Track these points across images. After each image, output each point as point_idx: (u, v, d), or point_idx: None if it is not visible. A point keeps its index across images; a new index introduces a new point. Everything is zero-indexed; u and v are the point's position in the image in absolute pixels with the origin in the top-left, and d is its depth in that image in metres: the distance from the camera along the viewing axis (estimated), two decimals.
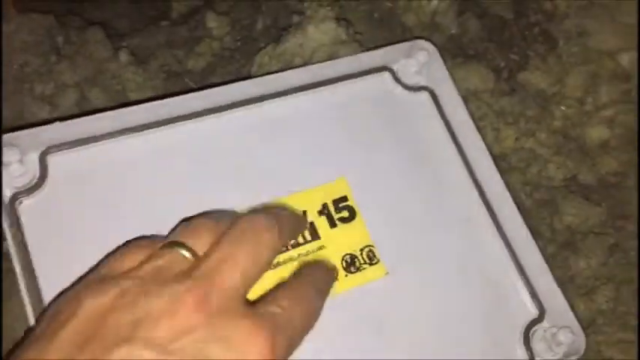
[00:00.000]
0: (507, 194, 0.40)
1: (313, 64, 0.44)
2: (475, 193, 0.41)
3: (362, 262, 0.38)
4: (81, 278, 0.30)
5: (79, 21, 0.52)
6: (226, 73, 0.50)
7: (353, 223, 0.38)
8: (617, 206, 0.46)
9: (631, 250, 0.45)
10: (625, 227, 0.46)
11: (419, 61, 0.42)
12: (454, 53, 0.51)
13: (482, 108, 0.49)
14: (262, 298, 0.29)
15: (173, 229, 0.31)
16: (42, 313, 0.31)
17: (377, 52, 0.42)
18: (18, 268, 0.33)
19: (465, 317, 0.37)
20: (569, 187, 0.47)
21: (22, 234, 0.34)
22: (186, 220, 0.31)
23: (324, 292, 0.32)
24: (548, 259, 0.44)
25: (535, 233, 0.45)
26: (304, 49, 0.48)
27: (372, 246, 0.38)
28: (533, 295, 0.38)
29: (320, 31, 0.49)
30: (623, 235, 0.45)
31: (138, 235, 0.33)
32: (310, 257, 0.37)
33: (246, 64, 0.50)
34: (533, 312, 0.38)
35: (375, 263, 0.38)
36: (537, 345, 0.37)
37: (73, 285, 0.29)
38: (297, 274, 0.33)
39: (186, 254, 0.27)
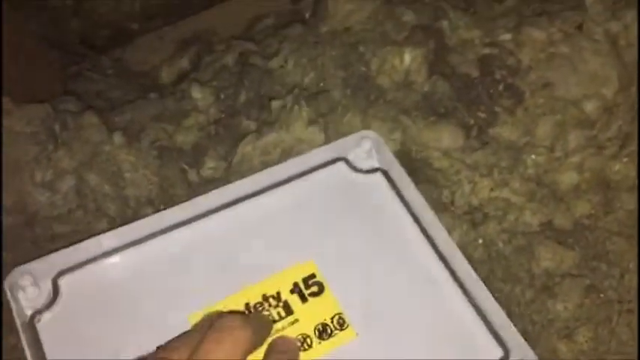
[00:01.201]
0: (459, 253, 0.43)
1: (290, 155, 0.52)
2: (433, 254, 0.44)
3: (333, 328, 0.41)
4: None
5: (73, 103, 0.56)
6: (216, 156, 0.53)
7: (322, 296, 0.43)
8: (591, 248, 0.49)
9: (607, 290, 0.48)
10: (599, 268, 0.48)
11: (366, 148, 0.48)
12: (426, 112, 0.54)
13: (456, 164, 0.52)
14: None
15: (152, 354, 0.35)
16: None
17: (330, 146, 0.49)
18: None
19: None
20: (544, 232, 0.50)
21: (42, 349, 0.39)
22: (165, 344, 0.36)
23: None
24: (528, 303, 0.47)
25: (513, 279, 0.48)
26: (284, 142, 0.52)
27: (342, 313, 0.42)
28: (497, 338, 0.41)
29: (299, 129, 0.53)
30: (597, 275, 0.48)
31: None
32: (286, 331, 0.41)
33: (232, 146, 0.54)
34: (499, 353, 0.41)
35: (345, 328, 0.41)
36: None
37: None
38: (268, 354, 0.37)
39: None
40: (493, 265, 0.49)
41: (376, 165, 0.48)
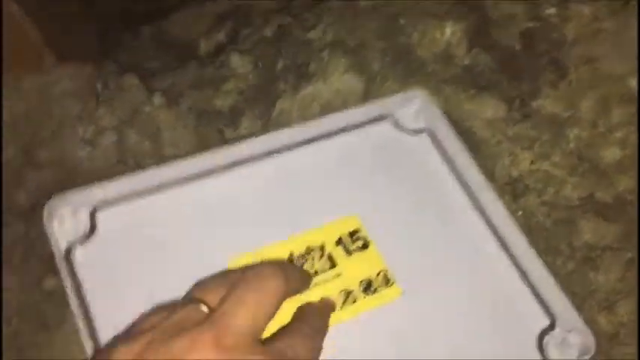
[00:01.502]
0: (508, 215, 0.43)
1: (328, 111, 0.50)
2: (479, 218, 0.44)
3: (378, 284, 0.41)
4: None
5: (114, 66, 0.56)
6: (252, 116, 0.53)
7: (367, 251, 0.42)
8: (633, 222, 0.48)
9: None
10: None
11: (414, 107, 0.47)
12: (468, 84, 0.53)
13: (497, 135, 0.52)
14: (270, 338, 0.33)
15: (188, 292, 0.35)
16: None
17: (377, 103, 0.48)
18: (75, 308, 0.37)
19: (478, 331, 0.40)
20: (585, 205, 0.49)
21: (77, 280, 0.39)
22: (199, 281, 0.36)
23: (322, 331, 0.37)
24: (568, 275, 0.46)
25: (554, 251, 0.47)
26: (322, 95, 0.51)
27: (386, 270, 0.41)
28: (543, 305, 0.41)
29: (336, 79, 0.52)
30: None
31: (183, 279, 0.37)
32: (329, 284, 0.41)
33: (269, 106, 0.54)
34: (545, 321, 0.40)
35: (390, 285, 0.41)
36: (551, 351, 0.39)
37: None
38: (298, 316, 0.38)
39: (201, 307, 0.31)
40: (533, 236, 0.48)
41: (423, 125, 0.47)
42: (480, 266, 0.43)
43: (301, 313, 0.38)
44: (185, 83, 0.56)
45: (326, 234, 0.43)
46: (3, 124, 0.48)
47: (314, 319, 0.38)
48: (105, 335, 0.37)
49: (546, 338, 0.40)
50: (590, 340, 0.39)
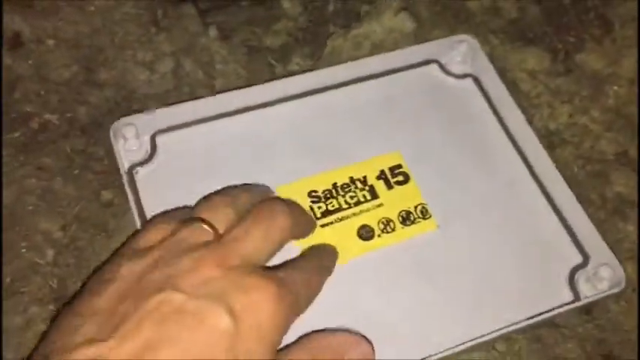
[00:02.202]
0: (547, 156, 0.45)
1: (379, 51, 0.52)
2: (518, 158, 0.46)
3: (416, 216, 0.43)
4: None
5: None
6: (302, 54, 0.55)
7: (407, 185, 0.44)
8: None
9: None
10: None
11: (462, 52, 0.49)
12: (514, 37, 0.55)
13: (539, 87, 0.53)
14: (272, 268, 0.34)
15: (196, 205, 0.36)
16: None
17: (424, 46, 0.49)
18: (137, 222, 0.40)
19: (511, 267, 0.42)
20: (619, 160, 0.51)
21: (139, 197, 0.42)
22: (206, 197, 0.37)
23: (326, 268, 0.39)
24: (598, 224, 0.47)
25: (586, 201, 0.49)
26: (375, 35, 0.53)
27: (425, 204, 0.44)
28: (577, 244, 0.43)
29: (388, 19, 0.53)
30: None
31: None
32: (370, 213, 0.43)
33: (319, 45, 0.55)
34: (578, 259, 0.42)
35: (428, 218, 0.43)
36: (582, 286, 0.41)
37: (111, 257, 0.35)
38: (304, 253, 0.39)
39: (207, 228, 0.32)
40: None
41: (469, 70, 0.49)
42: (516, 205, 0.44)
43: (308, 250, 0.40)
44: (237, 20, 0.58)
45: (369, 167, 0.45)
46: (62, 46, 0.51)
47: (319, 258, 0.39)
48: None
49: (577, 274, 0.41)
50: (621, 274, 0.40)
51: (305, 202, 0.43)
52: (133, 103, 0.49)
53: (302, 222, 0.40)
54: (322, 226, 0.43)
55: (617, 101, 0.53)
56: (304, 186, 0.44)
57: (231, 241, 0.31)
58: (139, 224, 0.40)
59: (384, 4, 0.54)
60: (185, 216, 0.34)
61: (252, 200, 0.36)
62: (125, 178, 0.42)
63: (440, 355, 0.37)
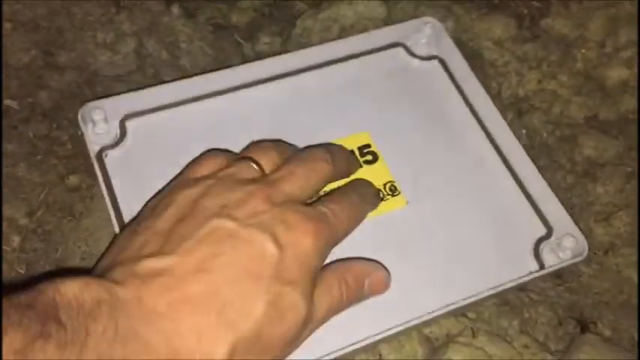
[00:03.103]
0: (511, 133, 0.46)
1: (349, 34, 0.52)
2: (483, 136, 0.47)
3: (385, 193, 0.44)
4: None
5: None
6: (270, 32, 0.54)
7: (376, 164, 0.45)
8: (634, 139, 0.49)
9: None
10: None
11: (427, 34, 0.50)
12: (480, 4, 0.54)
13: (506, 55, 0.53)
14: (315, 201, 0.37)
15: (246, 147, 0.40)
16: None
17: (390, 29, 0.50)
18: (109, 204, 0.41)
19: (478, 240, 0.43)
20: (589, 123, 0.51)
21: (109, 179, 0.42)
22: (256, 141, 0.41)
23: (368, 201, 0.41)
24: (568, 187, 0.48)
25: (556, 166, 0.49)
26: (344, 16, 0.53)
27: (394, 181, 0.44)
28: (541, 216, 0.43)
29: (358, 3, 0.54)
30: None
31: None
32: None
33: (288, 23, 0.55)
34: (542, 231, 0.43)
35: (397, 195, 0.44)
36: (547, 256, 0.42)
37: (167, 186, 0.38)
38: (346, 184, 0.42)
39: (255, 167, 0.36)
40: (535, 153, 0.50)
41: (434, 52, 0.49)
42: (482, 180, 0.45)
43: (350, 182, 0.42)
44: None
45: None
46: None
47: (361, 189, 0.41)
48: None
49: (542, 245, 0.42)
50: (583, 243, 0.41)
51: None
52: (95, 86, 0.48)
53: (343, 163, 0.41)
54: None
55: (585, 65, 0.53)
56: None
57: (277, 180, 0.35)
58: (110, 206, 0.40)
59: None
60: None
61: (296, 149, 0.41)
62: (95, 162, 0.42)
63: (414, 322, 0.37)
